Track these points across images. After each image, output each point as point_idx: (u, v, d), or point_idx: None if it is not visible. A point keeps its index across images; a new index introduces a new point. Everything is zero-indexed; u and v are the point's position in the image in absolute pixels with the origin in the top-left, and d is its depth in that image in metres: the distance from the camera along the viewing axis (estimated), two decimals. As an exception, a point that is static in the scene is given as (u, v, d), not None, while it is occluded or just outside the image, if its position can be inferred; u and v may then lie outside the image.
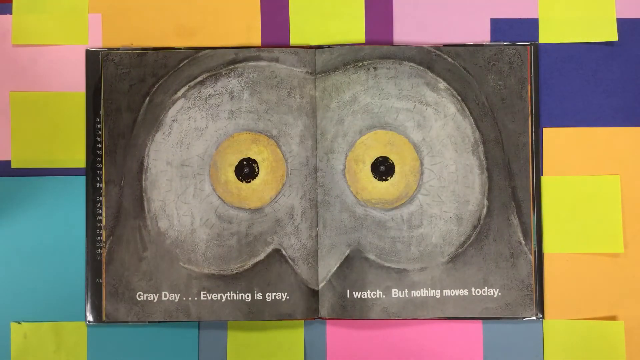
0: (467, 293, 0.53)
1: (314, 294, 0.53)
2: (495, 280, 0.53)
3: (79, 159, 0.54)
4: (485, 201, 0.54)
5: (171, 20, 0.55)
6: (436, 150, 0.54)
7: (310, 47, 0.55)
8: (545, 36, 0.55)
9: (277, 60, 0.54)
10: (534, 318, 0.53)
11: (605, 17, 0.55)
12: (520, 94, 0.54)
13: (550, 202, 0.54)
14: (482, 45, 0.54)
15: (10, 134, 0.55)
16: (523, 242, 0.53)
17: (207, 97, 0.54)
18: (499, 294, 0.53)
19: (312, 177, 0.53)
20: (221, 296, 0.53)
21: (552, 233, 0.54)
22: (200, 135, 0.54)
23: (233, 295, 0.53)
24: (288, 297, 0.53)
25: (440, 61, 0.54)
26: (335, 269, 0.53)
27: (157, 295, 0.53)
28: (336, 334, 0.54)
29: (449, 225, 0.53)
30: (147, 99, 0.54)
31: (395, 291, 0.53)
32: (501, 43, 0.54)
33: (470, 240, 0.53)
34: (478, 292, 0.53)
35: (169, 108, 0.54)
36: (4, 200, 0.54)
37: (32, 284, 0.54)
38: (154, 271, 0.53)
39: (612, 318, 0.54)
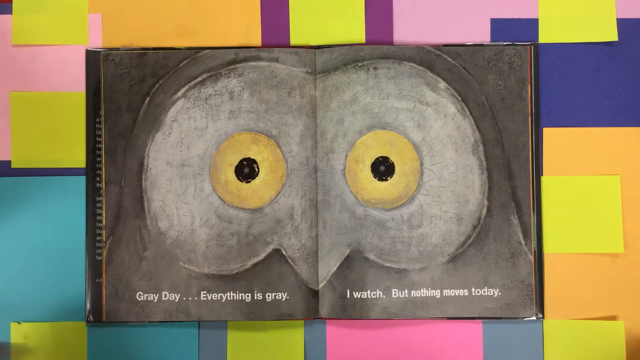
0: (467, 293, 0.53)
1: (314, 294, 0.53)
2: (495, 280, 0.53)
3: (79, 159, 0.54)
4: (485, 201, 0.54)
5: (171, 20, 0.55)
6: (436, 150, 0.54)
7: (310, 47, 0.55)
8: (545, 36, 0.55)
9: (277, 60, 0.54)
10: (534, 318, 0.53)
11: (605, 17, 0.55)
12: (520, 94, 0.54)
13: (550, 202, 0.54)
14: (482, 45, 0.54)
15: (10, 134, 0.55)
16: (523, 242, 0.53)
17: (207, 97, 0.54)
18: (499, 294, 0.53)
19: (312, 177, 0.53)
20: (221, 296, 0.53)
21: (552, 233, 0.54)
22: (200, 135, 0.54)
23: (233, 295, 0.53)
24: (288, 297, 0.53)
25: (440, 61, 0.54)
26: (335, 269, 0.53)
27: (157, 295, 0.53)
28: (336, 334, 0.54)
29: (449, 225, 0.53)
30: (147, 99, 0.54)
31: (395, 291, 0.53)
32: (501, 43, 0.54)
33: (470, 240, 0.53)
34: (478, 292, 0.53)
35: (169, 108, 0.54)
36: (4, 200, 0.54)
37: (32, 284, 0.54)
38: (154, 271, 0.53)
39: (612, 318, 0.54)
